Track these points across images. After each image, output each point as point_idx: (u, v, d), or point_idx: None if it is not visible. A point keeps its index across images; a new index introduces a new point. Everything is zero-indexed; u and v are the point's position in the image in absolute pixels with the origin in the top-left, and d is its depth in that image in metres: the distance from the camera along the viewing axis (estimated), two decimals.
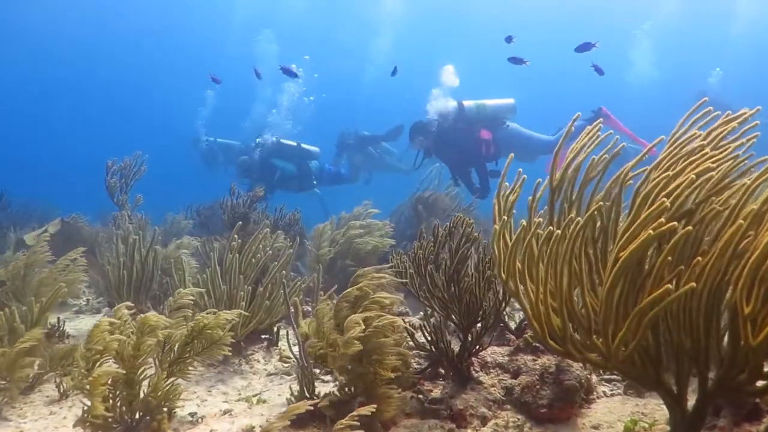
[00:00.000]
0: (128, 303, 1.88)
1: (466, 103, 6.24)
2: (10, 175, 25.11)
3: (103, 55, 29.07)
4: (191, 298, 1.87)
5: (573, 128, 1.85)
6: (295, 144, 7.92)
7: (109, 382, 1.75)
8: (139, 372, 1.82)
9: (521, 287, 1.63)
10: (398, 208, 6.33)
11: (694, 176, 1.42)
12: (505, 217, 1.73)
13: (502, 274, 1.67)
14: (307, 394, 2.10)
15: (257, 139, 7.85)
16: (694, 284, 1.32)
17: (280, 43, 17.20)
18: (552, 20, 23.33)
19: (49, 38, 27.64)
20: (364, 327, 1.85)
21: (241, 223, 3.36)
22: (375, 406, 1.77)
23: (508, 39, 6.71)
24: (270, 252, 3.25)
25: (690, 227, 1.34)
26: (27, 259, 2.84)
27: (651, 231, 1.34)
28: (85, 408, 1.65)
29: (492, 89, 7.05)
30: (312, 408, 1.67)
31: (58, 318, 3.20)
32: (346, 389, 1.97)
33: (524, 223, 1.62)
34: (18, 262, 2.83)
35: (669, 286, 1.32)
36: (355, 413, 1.67)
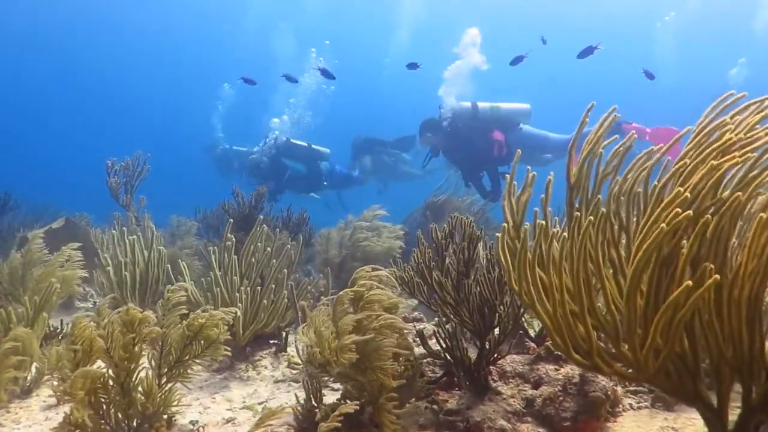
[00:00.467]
0: (112, 294, 1.78)
1: (481, 104, 6.13)
2: (19, 177, 25.30)
3: (111, 55, 29.16)
4: (183, 294, 1.75)
5: (587, 119, 1.72)
6: (305, 144, 7.86)
7: (99, 385, 1.65)
8: (135, 375, 1.71)
9: (536, 297, 1.48)
10: (411, 214, 6.24)
11: (714, 162, 1.28)
12: (505, 224, 1.58)
13: (514, 285, 1.53)
14: (314, 403, 1.99)
15: (266, 138, 7.79)
16: (717, 276, 1.17)
17: (296, 36, 17.12)
18: (573, 18, 22.97)
19: (59, 39, 27.85)
20: (358, 330, 1.74)
21: (231, 221, 3.25)
22: (357, 403, 1.67)
23: (543, 41, 6.64)
24: (269, 250, 3.14)
25: (708, 216, 1.20)
26: (23, 258, 2.75)
27: (664, 225, 1.22)
28: (66, 413, 1.56)
29: (512, 92, 6.93)
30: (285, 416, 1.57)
31: (62, 320, 3.12)
32: (349, 399, 1.85)
33: (527, 226, 1.49)
34: (13, 261, 2.73)
35: (689, 282, 1.19)
36: (337, 413, 1.57)
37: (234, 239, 3.06)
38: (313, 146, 7.89)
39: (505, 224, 1.61)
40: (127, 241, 3.32)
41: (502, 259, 1.56)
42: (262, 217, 3.46)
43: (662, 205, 1.28)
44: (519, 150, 1.80)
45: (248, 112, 12.08)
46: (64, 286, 2.79)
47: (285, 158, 7.59)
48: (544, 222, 1.50)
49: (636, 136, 1.67)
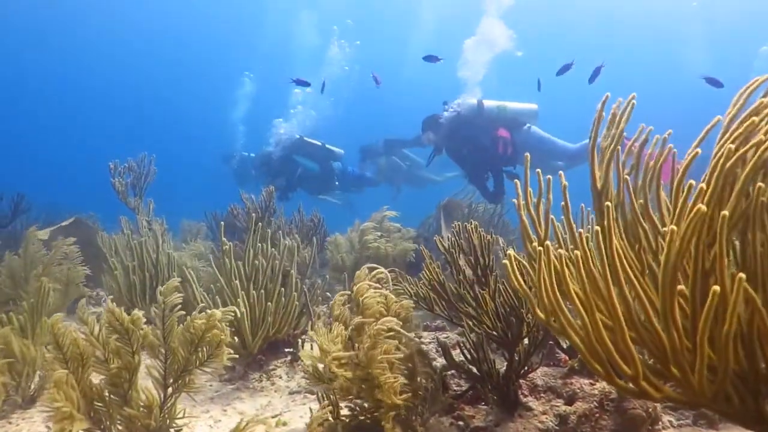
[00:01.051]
0: (92, 300, 1.66)
1: (487, 102, 5.94)
2: (32, 179, 25.43)
3: (123, 53, 29.05)
4: (180, 295, 1.63)
5: (603, 113, 1.54)
6: (319, 143, 7.74)
7: (96, 396, 1.54)
8: (134, 386, 1.60)
9: (566, 323, 1.25)
10: (426, 220, 6.09)
11: (731, 146, 1.12)
12: (512, 252, 1.39)
13: (539, 312, 1.33)
14: (330, 418, 1.86)
15: (274, 127, 7.69)
16: (742, 275, 0.99)
17: (318, 25, 17.01)
18: (595, 16, 22.42)
19: (68, 39, 27.88)
20: (354, 339, 1.61)
21: (223, 224, 3.14)
22: (332, 409, 1.59)
23: (569, 66, 6.53)
24: (274, 252, 3.03)
25: (725, 212, 1.03)
26: (22, 259, 2.64)
27: (673, 227, 1.08)
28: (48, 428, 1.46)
29: (530, 93, 6.75)
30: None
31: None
32: (360, 416, 1.72)
33: (533, 241, 1.32)
34: (12, 263, 2.62)
35: (716, 288, 1.03)
36: (311, 423, 1.45)
37: (230, 244, 2.95)
38: (327, 146, 7.78)
39: (521, 244, 1.45)
40: (134, 244, 3.22)
41: (518, 286, 1.38)
42: (255, 216, 3.34)
43: (680, 203, 1.14)
44: (527, 153, 1.62)
45: (271, 102, 11.97)
46: (71, 289, 2.69)
47: (297, 155, 7.47)
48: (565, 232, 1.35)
49: (651, 128, 1.51)
